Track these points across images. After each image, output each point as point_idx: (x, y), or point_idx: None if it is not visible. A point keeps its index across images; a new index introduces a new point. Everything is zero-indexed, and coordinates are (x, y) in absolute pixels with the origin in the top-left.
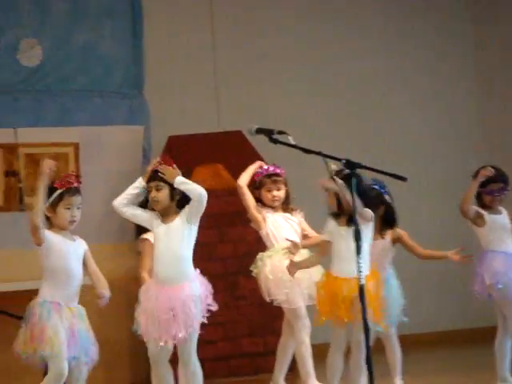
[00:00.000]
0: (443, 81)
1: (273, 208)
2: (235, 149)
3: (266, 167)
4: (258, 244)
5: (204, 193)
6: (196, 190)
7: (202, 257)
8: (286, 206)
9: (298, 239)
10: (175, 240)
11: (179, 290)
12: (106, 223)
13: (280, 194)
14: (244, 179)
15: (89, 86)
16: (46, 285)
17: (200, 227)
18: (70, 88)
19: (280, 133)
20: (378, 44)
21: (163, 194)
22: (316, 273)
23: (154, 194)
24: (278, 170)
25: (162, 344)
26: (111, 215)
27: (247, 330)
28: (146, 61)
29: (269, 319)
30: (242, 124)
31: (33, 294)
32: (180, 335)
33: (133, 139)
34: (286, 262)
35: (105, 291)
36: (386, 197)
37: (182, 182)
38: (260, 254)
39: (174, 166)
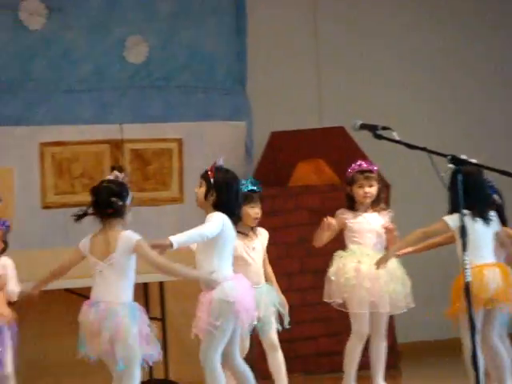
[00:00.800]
0: None
1: (363, 205)
2: (337, 144)
3: (359, 163)
4: None
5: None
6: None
7: (303, 252)
8: (377, 204)
9: (376, 241)
10: None
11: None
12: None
13: (372, 190)
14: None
15: (193, 82)
16: None
17: (301, 223)
18: (174, 84)
19: (384, 128)
20: None
21: (201, 191)
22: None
23: (196, 188)
24: (370, 167)
25: None
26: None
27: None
28: (249, 57)
29: None
30: (344, 120)
31: None
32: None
33: (235, 135)
34: (351, 265)
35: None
36: (496, 196)
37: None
38: (336, 253)
39: None
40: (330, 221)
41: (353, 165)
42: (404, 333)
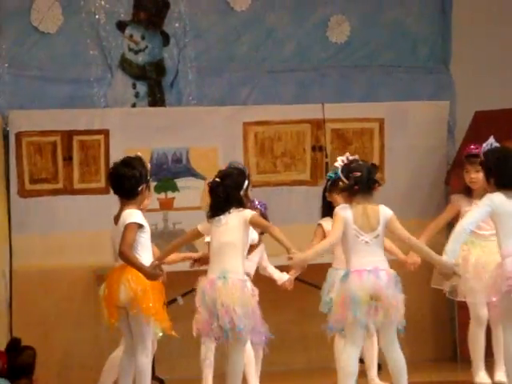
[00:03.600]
0: None
1: (474, 190)
2: None
3: (468, 148)
4: None
5: None
6: None
7: None
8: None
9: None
10: None
11: None
12: (410, 197)
13: (478, 176)
14: None
15: (395, 61)
16: None
17: None
18: (376, 64)
19: None
20: None
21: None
22: None
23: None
24: (477, 150)
25: None
26: (416, 190)
27: None
28: (453, 35)
29: None
30: None
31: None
32: None
33: (438, 115)
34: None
35: None
36: None
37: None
38: None
39: None
40: None
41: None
42: None
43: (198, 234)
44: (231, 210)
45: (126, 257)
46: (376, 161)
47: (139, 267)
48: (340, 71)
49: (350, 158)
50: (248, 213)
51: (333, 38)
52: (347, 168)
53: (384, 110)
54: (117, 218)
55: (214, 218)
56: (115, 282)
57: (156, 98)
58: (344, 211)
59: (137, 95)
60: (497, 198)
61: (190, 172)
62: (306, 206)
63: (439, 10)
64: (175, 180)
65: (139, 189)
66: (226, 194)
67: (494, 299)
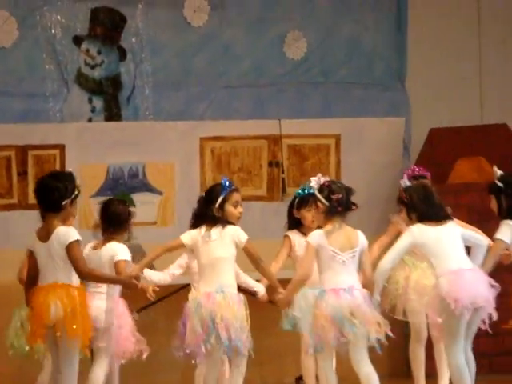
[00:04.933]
0: None
1: None
2: (499, 142)
3: (412, 168)
4: None
5: None
6: None
7: None
8: None
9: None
10: None
11: None
12: (365, 213)
13: None
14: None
15: (351, 77)
16: None
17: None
18: (332, 80)
19: None
20: None
21: None
22: None
23: None
24: (422, 172)
25: None
26: (371, 205)
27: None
28: (409, 53)
29: None
30: (506, 117)
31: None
32: None
33: (394, 131)
34: None
35: None
36: None
37: None
38: None
39: None
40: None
41: (405, 170)
42: None
43: (182, 246)
44: (224, 226)
45: (94, 275)
46: (332, 176)
47: (115, 280)
48: (297, 87)
49: (322, 178)
50: (244, 237)
51: (290, 54)
52: (328, 189)
53: (340, 126)
54: (44, 234)
55: (200, 231)
56: (44, 300)
57: (112, 113)
58: (316, 240)
59: (93, 110)
60: (416, 229)
61: (147, 187)
62: (263, 221)
63: (395, 28)
64: (132, 195)
65: (63, 203)
66: (199, 209)
67: (437, 319)
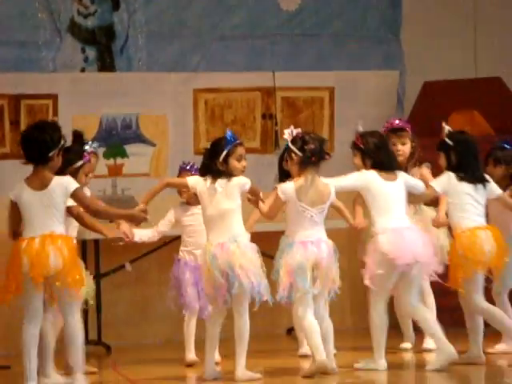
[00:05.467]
0: None
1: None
2: (492, 95)
3: (391, 121)
4: None
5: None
6: None
7: None
8: (408, 163)
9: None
10: None
11: None
12: None
13: (404, 148)
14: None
15: (345, 30)
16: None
17: None
18: (326, 32)
19: None
20: None
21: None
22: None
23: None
24: (402, 124)
25: None
26: None
27: None
28: (404, 5)
29: None
30: (500, 70)
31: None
32: None
33: (388, 84)
34: None
35: None
36: None
37: None
38: None
39: None
40: None
41: (385, 123)
42: None
43: (186, 187)
44: (229, 179)
45: (104, 211)
46: (326, 129)
47: (126, 214)
48: (291, 39)
49: (295, 130)
50: (248, 184)
51: (284, 6)
52: (301, 140)
53: (334, 79)
54: (38, 184)
55: (206, 182)
56: (42, 251)
57: (106, 63)
58: (285, 193)
59: (86, 60)
60: (370, 175)
61: (140, 138)
62: (256, 173)
63: None
64: (125, 146)
65: (49, 155)
66: (203, 163)
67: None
